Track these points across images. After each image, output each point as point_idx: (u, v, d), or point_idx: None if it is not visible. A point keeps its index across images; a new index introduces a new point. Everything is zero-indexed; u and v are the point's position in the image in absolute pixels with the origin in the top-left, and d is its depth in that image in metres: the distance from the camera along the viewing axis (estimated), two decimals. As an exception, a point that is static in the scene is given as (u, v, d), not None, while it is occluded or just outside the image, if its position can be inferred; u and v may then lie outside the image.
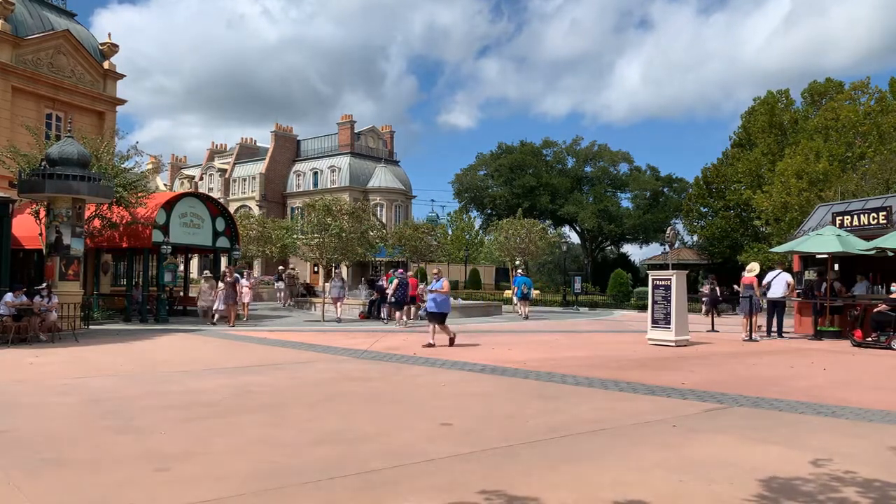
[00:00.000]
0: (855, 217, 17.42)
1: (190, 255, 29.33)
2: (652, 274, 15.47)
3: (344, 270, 32.16)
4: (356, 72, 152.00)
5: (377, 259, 45.59)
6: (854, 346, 14.79)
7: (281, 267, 36.03)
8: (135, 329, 18.01)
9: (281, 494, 4.73)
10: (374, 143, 68.60)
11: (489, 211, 65.49)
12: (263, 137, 79.52)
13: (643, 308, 24.93)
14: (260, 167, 66.77)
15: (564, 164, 66.99)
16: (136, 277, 21.97)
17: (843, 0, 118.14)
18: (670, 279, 14.63)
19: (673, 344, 14.28)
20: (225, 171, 69.03)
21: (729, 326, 20.08)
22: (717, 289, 23.22)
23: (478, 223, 66.43)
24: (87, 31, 26.46)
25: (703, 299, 26.71)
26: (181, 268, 29.25)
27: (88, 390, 8.84)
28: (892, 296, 14.93)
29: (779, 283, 16.92)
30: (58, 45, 24.00)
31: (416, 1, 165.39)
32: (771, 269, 18.58)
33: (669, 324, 14.49)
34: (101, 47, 25.95)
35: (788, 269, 19.47)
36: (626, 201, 64.77)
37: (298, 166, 67.93)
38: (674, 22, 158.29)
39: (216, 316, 19.88)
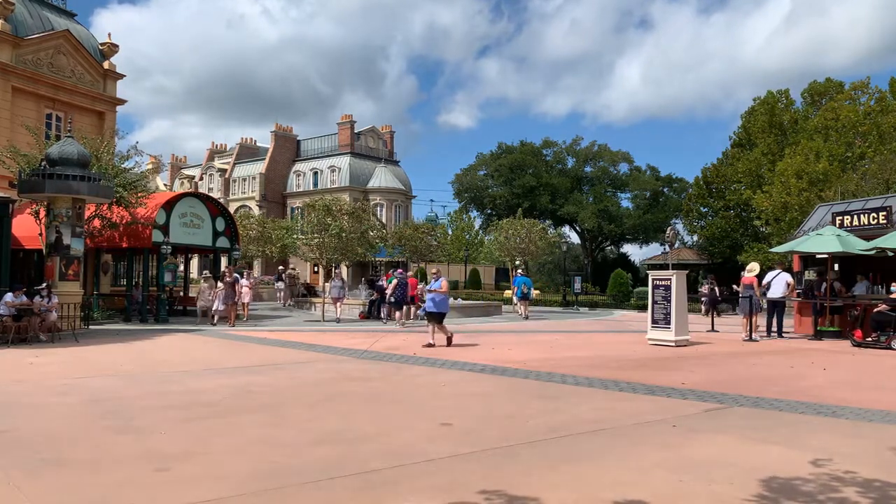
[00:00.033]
0: (855, 217, 17.41)
1: (190, 255, 29.33)
2: (652, 274, 15.47)
3: (344, 270, 32.15)
4: (356, 72, 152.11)
5: (377, 259, 45.60)
6: (854, 346, 14.79)
7: (281, 267, 36.03)
8: (135, 329, 18.01)
9: (281, 494, 4.73)
10: (374, 143, 68.60)
11: (489, 211, 65.49)
12: (263, 137, 79.61)
13: (643, 308, 24.93)
14: (260, 167, 66.77)
15: (564, 164, 66.99)
16: (136, 277, 21.97)
17: (843, 0, 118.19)
18: (670, 279, 14.63)
19: (673, 344, 14.28)
20: (225, 171, 69.03)
21: (729, 326, 20.08)
22: (717, 289, 23.23)
23: (478, 223, 66.53)
24: (87, 31, 26.47)
25: (703, 299, 26.73)
26: (181, 268, 29.25)
27: (88, 390, 8.84)
28: (892, 296, 14.93)
29: (779, 283, 16.92)
30: (58, 45, 24.00)
31: (416, 1, 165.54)
32: (771, 269, 18.58)
33: (669, 324, 14.49)
34: (101, 47, 25.95)
35: (788, 269, 19.47)
36: (626, 201, 64.88)
37: (298, 166, 67.94)
38: (674, 22, 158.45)
39: (216, 317, 19.89)
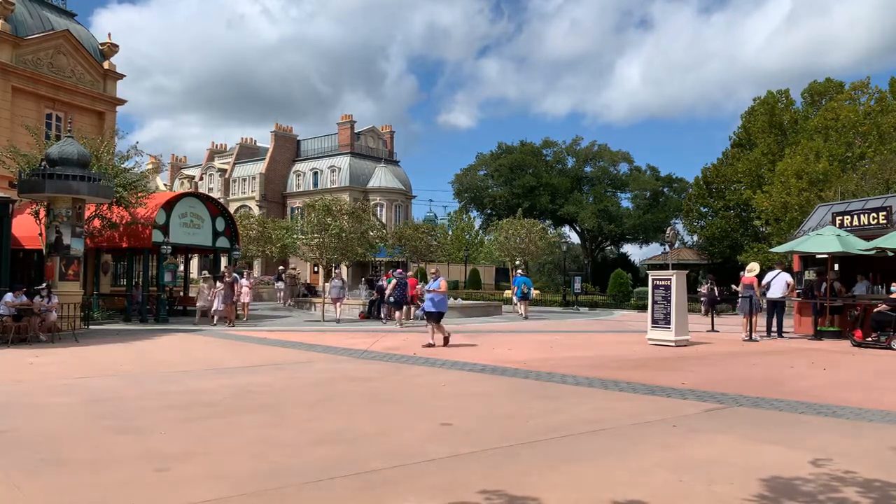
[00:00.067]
0: (855, 217, 17.41)
1: (190, 255, 29.33)
2: (652, 274, 15.47)
3: (344, 270, 32.15)
4: (356, 72, 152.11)
5: (377, 259, 45.60)
6: (854, 346, 14.79)
7: (281, 267, 36.04)
8: (135, 329, 18.01)
9: (281, 494, 4.73)
10: (374, 143, 68.61)
11: (489, 211, 65.50)
12: (263, 137, 79.60)
13: (643, 308, 24.93)
14: (260, 167, 66.77)
15: (564, 164, 66.99)
16: (136, 277, 21.97)
17: (843, 0, 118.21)
18: (670, 279, 14.63)
19: (673, 344, 14.28)
20: (225, 171, 69.03)
21: (729, 326, 20.08)
22: (716, 289, 23.23)
23: (478, 223, 66.52)
24: (87, 31, 26.47)
25: (702, 299, 26.75)
26: (181, 268, 29.25)
27: (88, 390, 8.85)
28: (892, 296, 14.93)
29: (778, 284, 16.92)
30: (58, 45, 24.00)
31: (416, 1, 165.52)
32: (771, 269, 18.58)
33: (669, 324, 14.49)
34: (101, 47, 25.96)
35: (788, 269, 19.47)
36: (626, 201, 64.86)
37: (298, 166, 67.94)
38: (674, 22, 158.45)
39: (216, 317, 19.88)
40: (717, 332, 18.68)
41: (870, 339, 14.99)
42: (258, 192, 65.49)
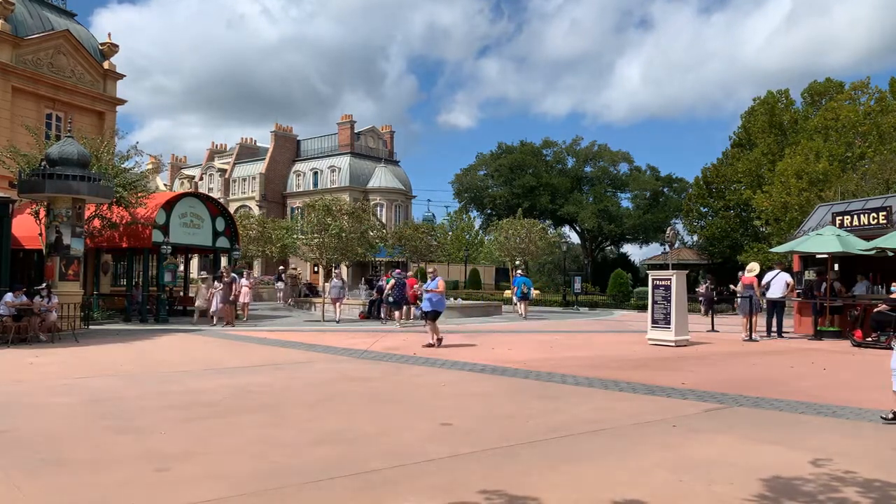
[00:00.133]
0: (855, 217, 17.41)
1: (190, 255, 29.33)
2: (652, 274, 15.48)
3: (344, 270, 32.15)
4: (356, 72, 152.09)
5: (377, 259, 45.60)
6: (854, 346, 14.79)
7: (281, 267, 36.04)
8: (135, 329, 18.01)
9: (281, 494, 4.74)
10: (374, 143, 68.61)
11: (489, 211, 65.51)
12: (263, 137, 79.58)
13: (643, 308, 24.93)
14: (260, 167, 66.77)
15: (564, 164, 67.00)
16: (136, 277, 21.97)
17: (843, 0, 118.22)
18: (670, 279, 14.63)
19: (673, 344, 14.28)
20: (225, 171, 69.03)
21: (729, 326, 20.08)
22: (712, 288, 23.22)
23: (478, 223, 66.52)
24: (87, 31, 26.47)
25: (701, 299, 26.76)
26: (181, 268, 29.25)
27: (88, 390, 8.85)
28: (892, 296, 14.92)
29: (778, 283, 16.92)
30: (58, 45, 24.00)
31: (416, 1, 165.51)
32: (770, 269, 18.59)
33: (669, 324, 14.49)
34: (101, 47, 25.96)
35: (788, 269, 19.47)
36: (626, 201, 64.87)
37: (298, 166, 67.93)
38: (674, 22, 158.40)
39: (215, 318, 19.88)
40: (717, 332, 18.68)
41: (870, 339, 14.99)
42: (258, 192, 65.49)
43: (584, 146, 66.61)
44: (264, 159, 67.21)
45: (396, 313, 20.63)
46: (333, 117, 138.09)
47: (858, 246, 15.89)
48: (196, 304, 21.23)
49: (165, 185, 68.62)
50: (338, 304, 21.46)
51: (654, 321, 14.87)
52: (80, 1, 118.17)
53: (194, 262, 39.32)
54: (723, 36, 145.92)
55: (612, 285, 37.19)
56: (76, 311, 16.80)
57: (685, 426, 6.99)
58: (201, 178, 70.12)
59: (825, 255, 16.58)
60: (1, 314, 14.09)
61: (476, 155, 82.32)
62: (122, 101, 26.33)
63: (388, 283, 21.11)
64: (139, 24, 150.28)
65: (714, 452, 5.95)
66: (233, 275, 20.30)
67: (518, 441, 6.30)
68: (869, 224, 16.98)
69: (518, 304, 26.05)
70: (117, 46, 26.29)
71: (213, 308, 19.81)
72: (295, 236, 37.43)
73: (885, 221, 16.58)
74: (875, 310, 15.02)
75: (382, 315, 22.12)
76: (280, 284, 31.56)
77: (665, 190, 63.48)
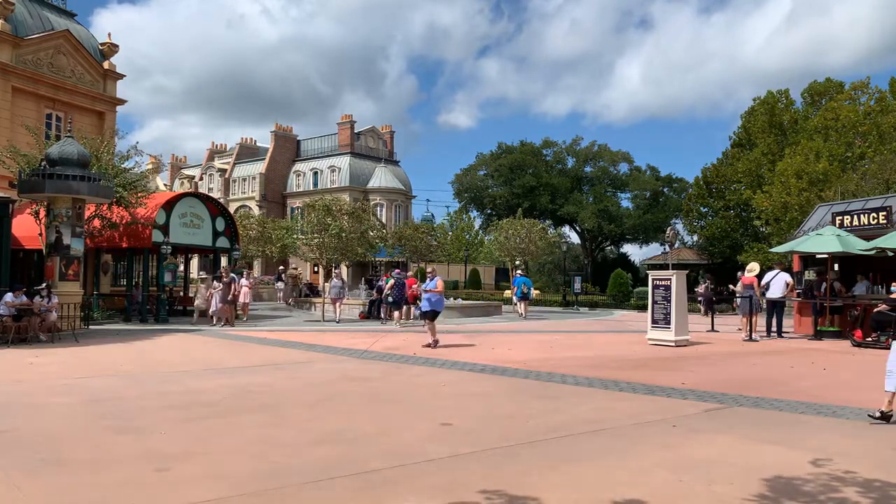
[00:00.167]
0: (855, 217, 17.41)
1: (190, 255, 29.33)
2: (652, 274, 15.48)
3: (344, 270, 32.16)
4: (356, 72, 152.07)
5: (377, 259, 45.59)
6: (854, 346, 14.79)
7: (281, 267, 36.03)
8: (135, 329, 18.01)
9: (281, 494, 4.74)
10: (374, 143, 68.60)
11: (489, 211, 65.50)
12: (263, 137, 79.56)
13: (643, 308, 24.93)
14: (260, 167, 66.76)
15: (564, 164, 67.00)
16: (136, 277, 21.97)
17: (843, 0, 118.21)
18: (670, 279, 14.64)
19: (673, 344, 14.28)
20: (225, 171, 69.02)
21: (729, 326, 20.09)
22: (712, 288, 23.20)
23: (478, 223, 66.51)
24: (87, 31, 26.47)
25: (700, 299, 26.77)
26: (181, 268, 29.25)
27: (88, 390, 8.85)
28: (892, 296, 14.93)
29: (777, 283, 16.92)
30: (58, 45, 24.00)
31: (416, 1, 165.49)
32: (770, 269, 18.59)
33: (669, 324, 14.49)
34: (101, 47, 25.96)
35: (788, 269, 19.47)
36: (626, 201, 64.85)
37: (298, 166, 67.93)
38: (674, 22, 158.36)
39: (215, 318, 19.88)
40: (717, 332, 18.68)
41: (870, 339, 14.99)
42: (258, 192, 65.48)
43: (584, 146, 66.63)
44: (264, 159, 67.21)
45: (396, 313, 20.63)
46: (333, 117, 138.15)
47: (858, 246, 15.90)
48: (195, 304, 21.23)
49: (165, 185, 68.61)
50: (338, 304, 21.47)
51: (654, 321, 14.87)
52: (80, 1, 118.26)
53: (194, 262, 39.36)
54: (723, 36, 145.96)
55: (612, 285, 37.20)
56: (76, 311, 16.81)
57: (685, 426, 6.99)
58: (201, 178, 70.11)
59: (825, 255, 16.58)
60: (1, 314, 14.09)
61: (476, 155, 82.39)
62: (122, 101, 26.33)
63: (387, 283, 21.12)
64: (139, 24, 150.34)
65: (714, 452, 5.95)
66: (232, 275, 20.30)
67: (518, 441, 6.30)
68: (869, 224, 16.98)
69: (518, 304, 26.05)
70: (117, 46, 26.29)
71: (212, 308, 19.82)
72: (295, 236, 37.43)
73: (885, 221, 16.58)
74: (875, 310, 15.01)
75: (382, 315, 22.12)
76: (280, 284, 31.56)
77: (665, 190, 63.48)
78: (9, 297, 14.40)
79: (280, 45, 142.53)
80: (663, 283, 14.77)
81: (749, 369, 11.34)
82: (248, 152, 70.37)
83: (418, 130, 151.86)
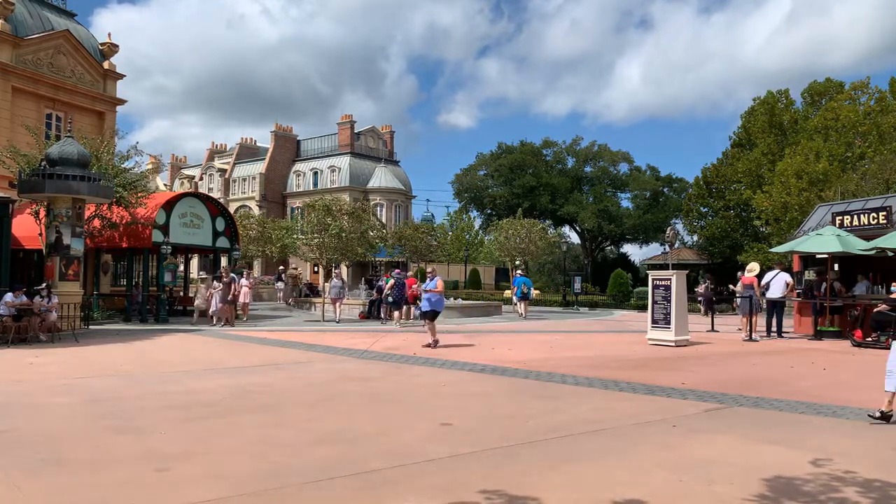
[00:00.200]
0: (855, 217, 17.41)
1: (190, 255, 29.33)
2: (652, 274, 15.48)
3: (344, 270, 32.15)
4: (356, 72, 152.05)
5: (377, 259, 45.60)
6: (854, 346, 14.79)
7: (282, 267, 36.03)
8: (135, 329, 18.01)
9: (281, 494, 4.74)
10: (374, 143, 68.60)
11: (489, 211, 65.50)
12: (263, 137, 79.55)
13: (643, 308, 24.93)
14: (260, 167, 66.77)
15: (564, 164, 67.00)
16: (136, 277, 21.97)
17: (843, 0, 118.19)
18: (670, 279, 14.64)
19: (673, 344, 14.28)
20: (225, 171, 69.02)
21: (729, 326, 20.09)
22: (712, 288, 23.20)
23: (478, 223, 66.50)
24: (87, 31, 26.47)
25: (700, 299, 26.78)
26: (181, 268, 29.26)
27: (88, 390, 8.85)
28: (892, 296, 14.93)
29: (777, 284, 16.93)
30: (58, 45, 24.00)
31: (416, 1, 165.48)
32: (770, 269, 18.59)
33: (669, 324, 14.49)
34: (101, 47, 25.96)
35: (788, 269, 19.48)
36: (626, 201, 64.85)
37: (298, 166, 67.93)
38: (674, 22, 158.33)
39: (215, 318, 19.88)
40: (717, 332, 18.68)
41: (870, 339, 14.98)
42: (258, 192, 65.48)
43: (584, 146, 66.63)
44: (264, 159, 67.21)
45: (396, 313, 20.64)
46: (333, 117, 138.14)
47: (858, 246, 15.90)
48: (195, 304, 21.24)
49: (165, 185, 68.62)
50: (338, 304, 21.47)
51: (654, 321, 14.87)
52: (80, 1, 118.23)
53: (194, 262, 39.36)
54: (723, 36, 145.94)
55: (612, 285, 37.20)
56: (76, 311, 16.81)
57: (685, 426, 6.99)
58: (201, 178, 70.11)
59: (825, 255, 16.59)
60: (1, 314, 14.09)
61: (476, 155, 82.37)
62: (122, 101, 26.33)
63: (387, 283, 21.12)
64: (139, 24, 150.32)
65: (714, 452, 5.95)
66: (232, 275, 20.30)
67: (518, 441, 6.30)
68: (869, 224, 16.98)
69: (518, 304, 26.06)
70: (117, 46, 26.29)
71: (212, 308, 19.82)
72: (295, 236, 37.43)
73: (885, 221, 16.58)
74: (875, 310, 15.01)
75: (382, 315, 22.12)
76: (280, 284, 31.56)
77: (665, 190, 63.48)
78: (9, 297, 14.40)
79: (280, 45, 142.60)
80: (663, 283, 14.77)
81: (749, 369, 11.34)
82: (248, 152, 70.37)
83: (418, 130, 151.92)
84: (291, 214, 61.85)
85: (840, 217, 17.69)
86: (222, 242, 23.43)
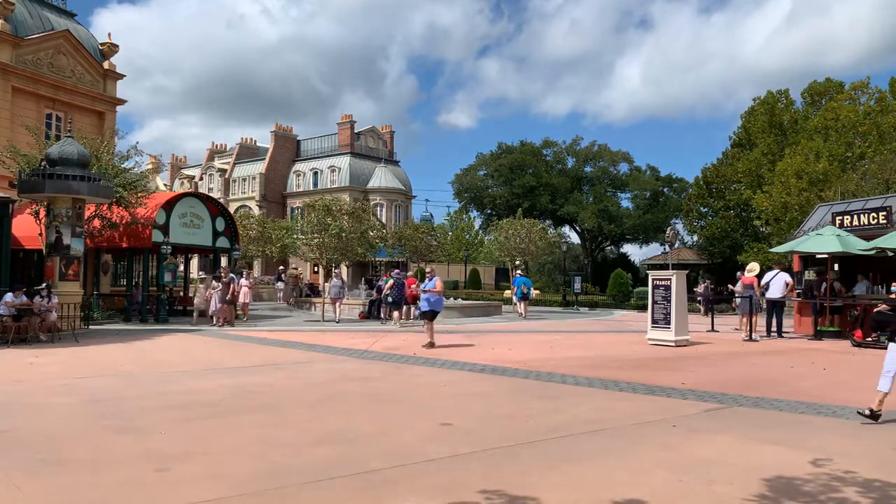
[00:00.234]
0: (855, 217, 17.41)
1: (190, 255, 29.34)
2: (652, 274, 15.48)
3: (344, 270, 32.16)
4: (356, 72, 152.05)
5: (377, 259, 45.60)
6: (854, 346, 14.79)
7: (282, 267, 36.03)
8: (135, 329, 18.01)
9: (281, 494, 4.74)
10: (374, 143, 68.60)
11: (489, 211, 65.49)
12: (263, 137, 79.54)
13: (643, 308, 24.93)
14: (260, 167, 66.76)
15: (564, 164, 66.98)
16: (136, 277, 21.97)
17: (843, 0, 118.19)
18: (670, 279, 14.64)
19: (673, 344, 14.28)
20: (225, 171, 69.02)
21: (729, 326, 20.09)
22: (710, 287, 23.19)
23: (478, 223, 66.49)
24: (87, 31, 26.47)
25: (699, 298, 26.78)
26: (181, 268, 29.26)
27: (88, 390, 8.85)
28: (892, 296, 14.92)
29: (777, 284, 16.92)
30: (58, 45, 24.00)
31: (416, 1, 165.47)
32: (770, 269, 18.59)
33: (669, 324, 14.49)
34: (101, 47, 25.96)
35: (788, 269, 19.48)
36: (626, 201, 64.82)
37: (298, 166, 67.92)
38: (674, 22, 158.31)
39: (215, 318, 19.88)
40: (717, 332, 18.68)
41: (870, 339, 14.98)
42: (258, 192, 65.48)
43: (584, 146, 66.61)
44: (264, 159, 67.20)
45: (395, 313, 20.63)
46: (333, 117, 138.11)
47: (858, 246, 15.90)
48: (195, 304, 21.24)
49: (165, 185, 68.62)
50: (337, 304, 21.47)
51: (654, 321, 14.87)
52: (80, 1, 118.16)
53: (194, 262, 39.37)
54: (723, 36, 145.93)
55: (612, 285, 37.19)
56: (76, 311, 16.81)
57: (685, 426, 6.99)
58: (201, 178, 70.11)
59: (825, 255, 16.58)
60: (1, 314, 14.09)
61: (476, 155, 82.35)
62: (122, 101, 26.33)
63: (386, 284, 21.12)
64: (139, 24, 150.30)
65: (714, 452, 5.95)
66: (231, 275, 20.29)
67: (518, 441, 6.30)
68: (869, 224, 16.98)
69: (518, 304, 26.06)
70: (117, 46, 26.29)
71: (211, 308, 19.83)
72: (295, 236, 37.43)
73: (885, 221, 16.58)
74: (875, 310, 14.99)
75: (382, 315, 22.13)
76: (280, 284, 31.55)
77: (665, 190, 63.47)
78: (9, 297, 14.40)
79: (280, 45, 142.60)
80: (663, 283, 14.77)
81: (749, 369, 11.34)
82: (248, 152, 70.37)
83: (418, 130, 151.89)
84: (291, 214, 61.84)
85: (840, 217, 17.69)
86: (222, 242, 23.44)
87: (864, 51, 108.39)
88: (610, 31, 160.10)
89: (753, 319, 16.60)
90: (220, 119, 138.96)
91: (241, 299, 20.74)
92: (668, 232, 19.58)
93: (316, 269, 43.22)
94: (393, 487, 4.89)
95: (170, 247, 20.94)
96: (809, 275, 18.00)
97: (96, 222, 19.29)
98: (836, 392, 9.01)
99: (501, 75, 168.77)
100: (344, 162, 64.33)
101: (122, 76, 26.28)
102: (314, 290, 33.02)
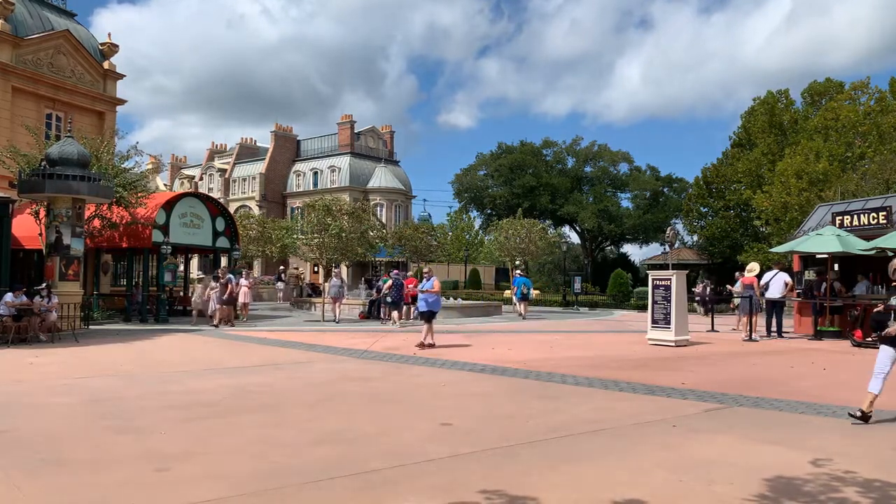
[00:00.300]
0: (855, 217, 17.41)
1: (190, 255, 29.33)
2: (652, 274, 15.48)
3: (344, 270, 32.15)
4: (356, 72, 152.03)
5: (377, 259, 45.60)
6: (854, 346, 14.79)
7: (282, 267, 36.05)
8: (135, 329, 18.01)
9: (281, 494, 4.74)
10: (374, 143, 68.59)
11: (489, 211, 65.49)
12: (263, 137, 79.52)
13: (643, 308, 24.93)
14: (260, 167, 66.76)
15: (564, 164, 66.99)
16: (136, 277, 21.97)
17: (843, 0, 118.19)
18: (670, 279, 14.64)
19: (673, 344, 14.28)
20: (225, 171, 69.02)
21: (728, 326, 20.09)
22: (709, 287, 23.20)
23: (478, 223, 66.49)
24: (87, 31, 26.47)
25: (697, 299, 26.79)
26: (181, 268, 29.26)
27: (88, 390, 8.85)
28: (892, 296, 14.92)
29: (777, 284, 16.92)
30: (58, 45, 24.00)
31: (416, 1, 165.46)
32: (769, 269, 18.59)
33: (669, 324, 14.49)
34: (101, 47, 25.96)
35: (788, 269, 19.48)
36: (626, 201, 64.84)
37: (298, 166, 67.93)
38: (674, 22, 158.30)
39: (215, 318, 19.88)
40: (717, 332, 18.68)
41: (870, 339, 14.98)
42: (258, 192, 65.48)
43: (584, 146, 66.62)
44: (264, 159, 67.20)
45: (395, 313, 20.64)
46: (333, 117, 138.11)
47: (858, 246, 15.90)
48: (193, 304, 21.23)
49: (165, 185, 68.60)
50: (337, 303, 21.47)
51: (654, 321, 14.87)
52: (80, 1, 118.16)
53: (194, 262, 39.36)
54: (723, 36, 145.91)
55: (612, 285, 37.18)
56: (76, 311, 16.80)
57: (685, 426, 6.99)
58: (201, 178, 70.11)
59: (825, 255, 16.59)
60: (1, 314, 14.09)
61: (476, 155, 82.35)
62: (122, 101, 26.33)
63: (385, 284, 21.12)
64: (139, 24, 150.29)
65: (714, 452, 5.95)
66: (229, 275, 20.27)
67: (518, 441, 6.30)
68: (869, 224, 16.98)
69: (518, 304, 26.05)
70: (117, 46, 26.29)
71: (210, 309, 19.83)
72: (295, 236, 37.41)
73: (885, 221, 16.58)
74: (875, 310, 15.00)
75: (382, 315, 22.13)
76: (280, 284, 31.56)
77: (665, 190, 63.48)
78: (9, 297, 14.40)
79: (280, 45, 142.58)
80: (663, 283, 14.77)
81: (749, 369, 11.34)
82: (248, 152, 70.36)
83: (418, 130, 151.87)
84: (291, 214, 61.83)
85: (840, 217, 17.69)
86: (222, 242, 23.44)
87: (864, 51, 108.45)
88: (610, 31, 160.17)
89: (753, 319, 16.60)
90: (220, 119, 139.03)
91: (240, 299, 20.73)
92: (668, 232, 19.58)
93: (316, 269, 43.23)
94: (393, 487, 4.89)
95: (170, 247, 20.94)
96: (809, 275, 18.00)
97: (96, 222, 19.29)
98: (836, 392, 9.01)
99: (501, 75, 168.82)
100: (344, 162, 64.33)
101: (122, 76, 26.28)
102: (315, 290, 33.02)
